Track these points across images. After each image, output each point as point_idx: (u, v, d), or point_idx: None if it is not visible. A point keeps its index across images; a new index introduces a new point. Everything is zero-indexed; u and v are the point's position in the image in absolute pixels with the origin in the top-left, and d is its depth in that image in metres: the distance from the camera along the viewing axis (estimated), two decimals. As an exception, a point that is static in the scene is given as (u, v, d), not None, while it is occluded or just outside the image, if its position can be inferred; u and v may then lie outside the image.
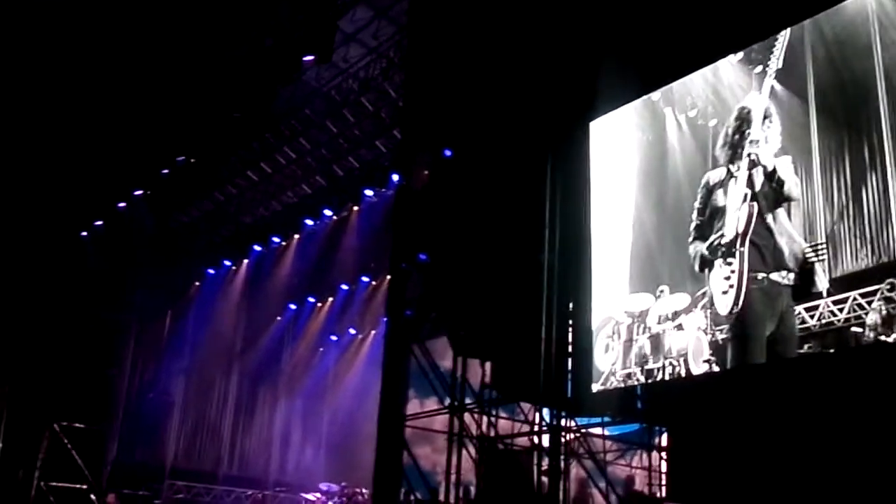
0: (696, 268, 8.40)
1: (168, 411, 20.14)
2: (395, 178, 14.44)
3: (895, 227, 6.72)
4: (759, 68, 8.25)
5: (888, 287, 6.60)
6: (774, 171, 7.76)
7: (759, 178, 7.90)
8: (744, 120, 8.20)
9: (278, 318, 20.83)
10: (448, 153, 11.16)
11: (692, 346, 8.30)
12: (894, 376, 6.63)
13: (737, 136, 8.22)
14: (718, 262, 8.11)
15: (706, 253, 8.30)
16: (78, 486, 18.38)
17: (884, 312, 6.58)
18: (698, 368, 8.22)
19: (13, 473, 18.83)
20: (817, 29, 7.78)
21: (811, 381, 7.33)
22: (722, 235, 8.13)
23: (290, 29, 14.59)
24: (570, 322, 9.71)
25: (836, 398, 7.04)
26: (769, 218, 7.70)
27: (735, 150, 8.21)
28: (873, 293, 6.72)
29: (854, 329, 6.82)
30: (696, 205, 8.54)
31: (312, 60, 14.55)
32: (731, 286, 7.90)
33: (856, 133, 7.21)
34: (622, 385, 9.07)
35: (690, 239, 8.53)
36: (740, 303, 7.81)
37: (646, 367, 8.79)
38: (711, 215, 8.34)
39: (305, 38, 14.13)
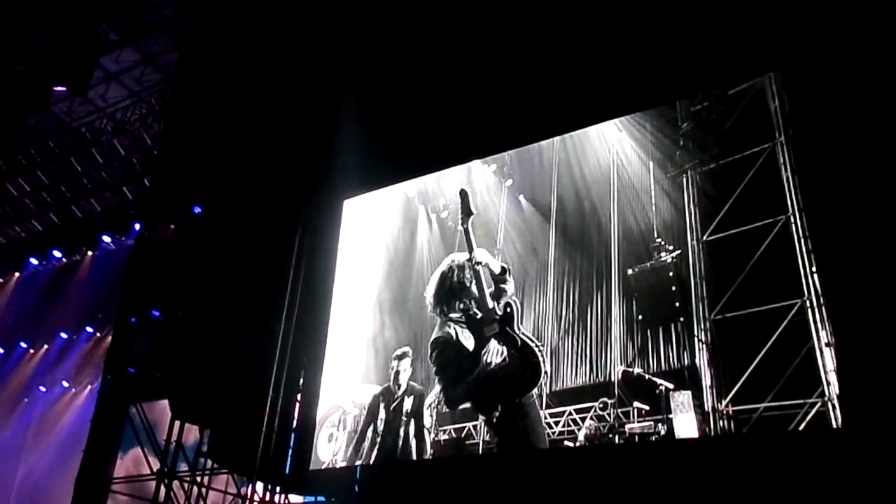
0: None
1: None
2: (138, 227, 13.82)
3: (613, 349, 7.28)
4: (510, 182, 8.85)
5: (601, 405, 7.13)
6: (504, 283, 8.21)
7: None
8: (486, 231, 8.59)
9: (-20, 361, 18.96)
10: (197, 210, 10.89)
11: (415, 445, 8.44)
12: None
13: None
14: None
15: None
16: None
17: (592, 430, 7.09)
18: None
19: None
20: (565, 150, 8.48)
21: (517, 479, 7.72)
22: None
23: (44, 56, 13.79)
24: (299, 398, 9.64)
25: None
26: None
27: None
28: (587, 410, 7.22)
29: (567, 443, 7.27)
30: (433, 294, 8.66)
31: (65, 92, 13.80)
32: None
33: (587, 255, 7.86)
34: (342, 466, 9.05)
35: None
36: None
37: (367, 463, 8.71)
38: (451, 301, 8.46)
39: (61, 67, 13.40)
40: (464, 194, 8.62)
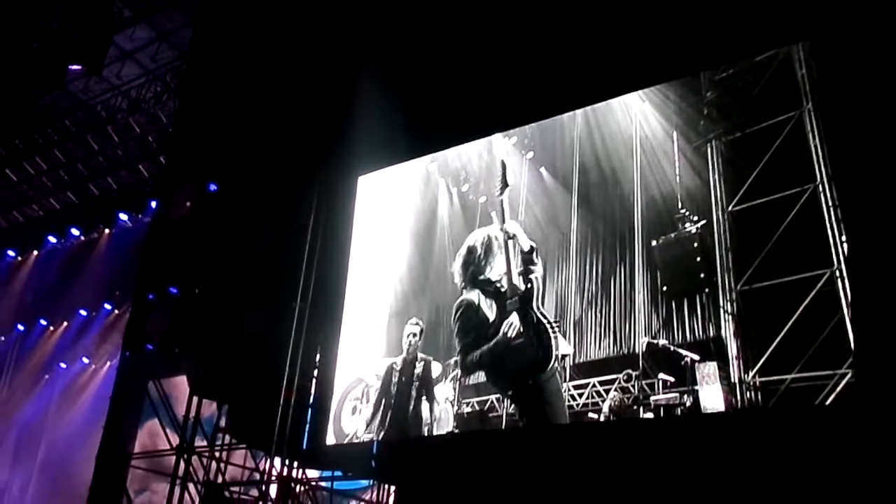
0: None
1: None
2: (154, 205, 13.79)
3: (637, 321, 7.15)
4: (531, 154, 8.71)
5: (625, 377, 7.03)
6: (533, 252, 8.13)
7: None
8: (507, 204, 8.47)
9: (2, 338, 19.08)
10: (213, 188, 10.86)
11: (439, 418, 8.36)
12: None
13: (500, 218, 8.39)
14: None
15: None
16: None
17: (617, 402, 7.00)
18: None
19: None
20: (587, 121, 8.30)
21: (539, 453, 7.64)
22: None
23: (59, 34, 13.74)
24: (315, 373, 9.60)
25: (560, 471, 7.40)
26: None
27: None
28: (611, 382, 7.11)
29: (591, 415, 7.17)
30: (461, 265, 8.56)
31: (81, 70, 13.77)
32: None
33: (609, 226, 7.72)
34: (359, 441, 9.00)
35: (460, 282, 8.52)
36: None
37: (391, 434, 8.65)
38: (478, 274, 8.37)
39: (75, 47, 13.36)
40: (503, 165, 8.51)
